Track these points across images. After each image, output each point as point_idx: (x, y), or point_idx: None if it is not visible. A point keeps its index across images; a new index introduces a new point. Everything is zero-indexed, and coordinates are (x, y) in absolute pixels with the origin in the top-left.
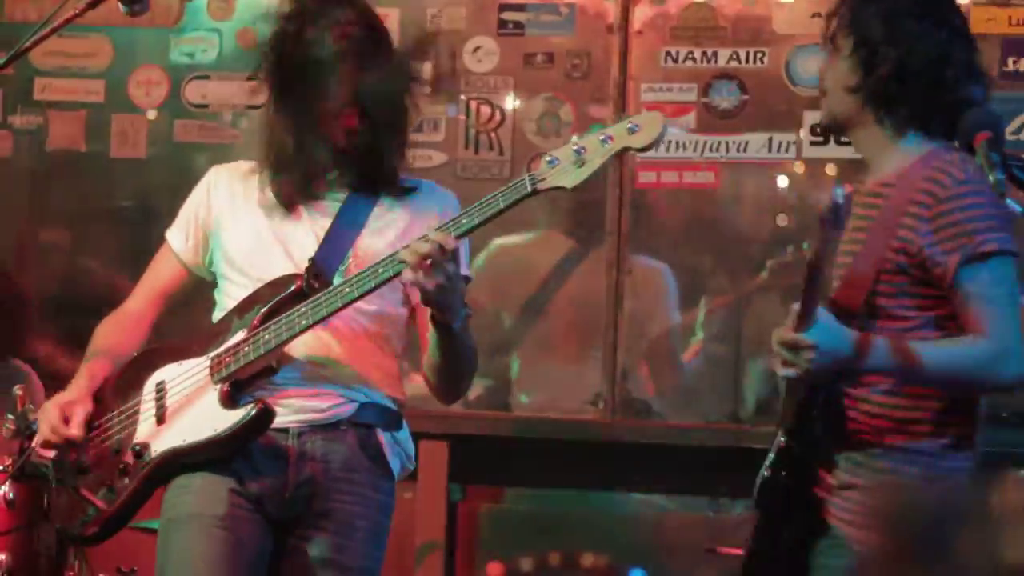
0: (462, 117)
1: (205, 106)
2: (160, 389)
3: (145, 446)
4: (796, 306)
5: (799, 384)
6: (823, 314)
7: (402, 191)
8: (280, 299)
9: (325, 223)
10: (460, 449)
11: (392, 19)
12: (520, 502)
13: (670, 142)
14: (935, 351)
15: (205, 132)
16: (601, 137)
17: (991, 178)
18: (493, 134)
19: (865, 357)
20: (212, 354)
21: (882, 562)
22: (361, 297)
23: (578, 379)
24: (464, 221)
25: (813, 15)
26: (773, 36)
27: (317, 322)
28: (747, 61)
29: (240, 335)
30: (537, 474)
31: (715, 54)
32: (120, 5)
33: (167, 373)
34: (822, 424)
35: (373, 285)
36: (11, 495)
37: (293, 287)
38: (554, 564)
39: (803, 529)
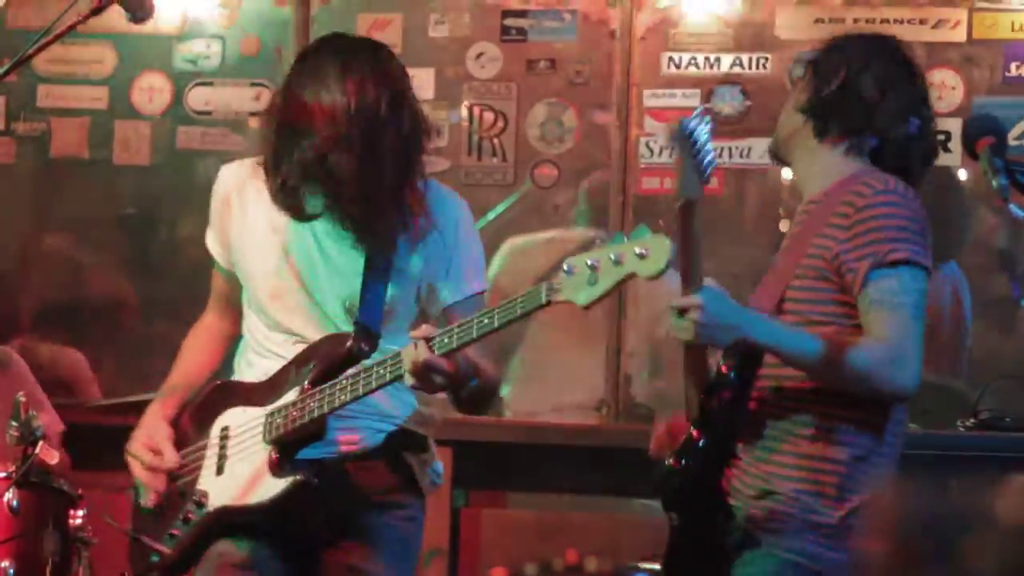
0: (465, 123)
1: (208, 113)
2: (224, 436)
3: (205, 496)
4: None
5: (698, 368)
6: (710, 281)
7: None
8: (332, 362)
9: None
10: (463, 454)
11: (395, 25)
12: (524, 507)
13: (673, 148)
14: (828, 344)
15: (208, 139)
16: (612, 256)
17: (994, 183)
18: (496, 140)
19: (753, 329)
20: (268, 409)
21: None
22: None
23: (582, 384)
24: (457, 333)
25: (816, 20)
26: (776, 42)
27: (352, 400)
28: (750, 67)
29: (292, 394)
30: (541, 479)
31: (718, 60)
32: (123, 12)
33: (232, 418)
34: (731, 429)
35: (386, 380)
36: (15, 502)
37: (343, 350)
38: (558, 569)
39: (726, 540)
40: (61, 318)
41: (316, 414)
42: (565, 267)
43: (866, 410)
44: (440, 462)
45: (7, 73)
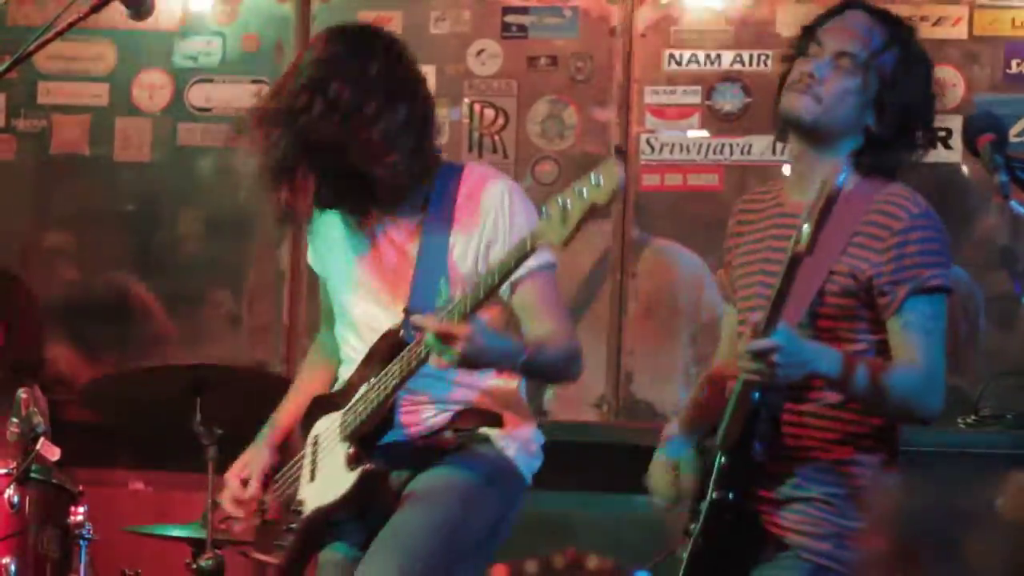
0: (465, 120)
1: (209, 109)
2: (315, 443)
3: (301, 503)
4: (753, 317)
5: (744, 406)
6: (784, 325)
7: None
8: (389, 353)
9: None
10: None
11: (396, 22)
12: (524, 504)
13: (674, 145)
14: (871, 370)
15: (209, 135)
16: (576, 191)
17: (995, 180)
18: (497, 137)
19: (820, 364)
20: (344, 409)
21: (887, 564)
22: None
23: (582, 381)
24: (470, 298)
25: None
26: (777, 39)
27: (400, 384)
28: (751, 64)
29: (362, 391)
30: (541, 476)
31: (719, 57)
32: (123, 9)
33: (322, 425)
34: (760, 440)
35: (422, 358)
36: (15, 498)
37: (396, 339)
38: (559, 567)
39: (747, 546)
40: (63, 316)
41: (375, 404)
42: (542, 211)
43: (889, 418)
44: (522, 441)
45: (8, 70)
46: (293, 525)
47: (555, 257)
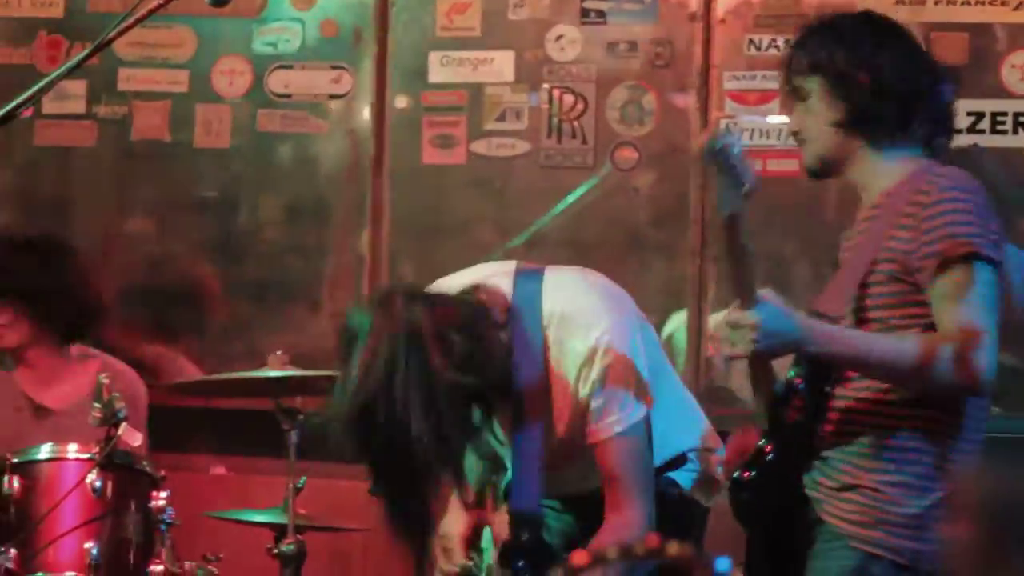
0: (545, 106)
1: (288, 96)
2: None
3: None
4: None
5: (764, 380)
6: (767, 295)
7: None
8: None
9: None
10: None
11: (474, 8)
12: None
13: (754, 130)
14: (888, 342)
15: (288, 122)
16: None
17: None
18: (576, 123)
19: (811, 340)
20: None
21: (969, 556)
22: None
23: None
24: None
25: (896, 2)
26: None
27: None
28: None
29: None
30: None
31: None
32: None
33: None
34: (808, 429)
35: None
36: (98, 483)
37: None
38: (639, 552)
39: (798, 534)
40: (143, 301)
41: None
42: None
43: (942, 402)
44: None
45: (88, 57)
46: None
47: (633, 420)
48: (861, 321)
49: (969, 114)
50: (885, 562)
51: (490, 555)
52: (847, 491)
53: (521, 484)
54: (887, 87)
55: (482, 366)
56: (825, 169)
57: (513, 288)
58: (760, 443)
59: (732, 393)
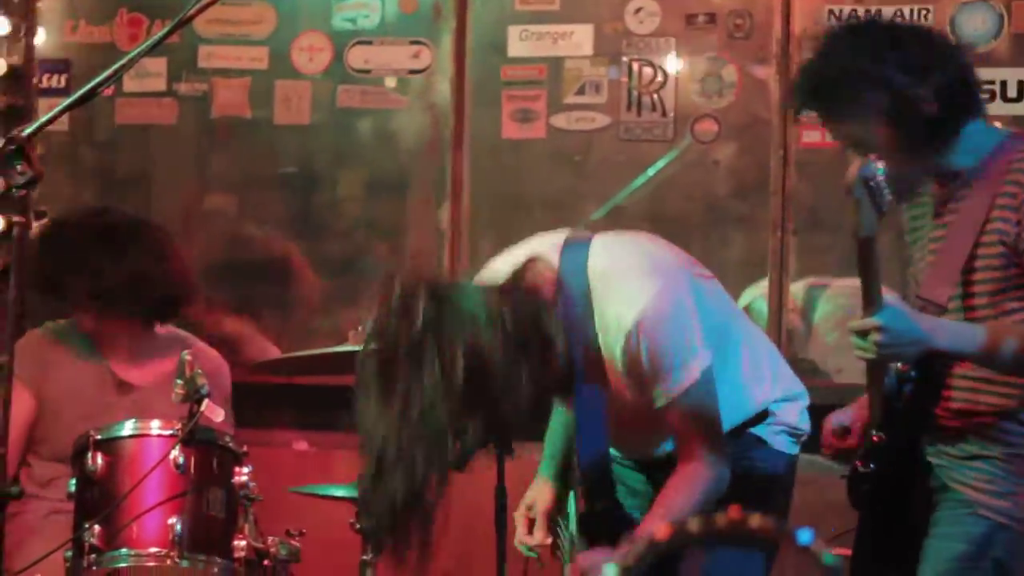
0: (624, 79)
1: (368, 71)
2: None
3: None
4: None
5: (879, 378)
6: (891, 298)
7: None
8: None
9: None
10: None
11: None
12: None
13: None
14: (1008, 335)
15: (368, 98)
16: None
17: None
18: (656, 95)
19: (936, 340)
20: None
21: None
22: None
23: None
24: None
25: None
26: None
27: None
28: (911, 17)
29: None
30: None
31: (879, 11)
32: None
33: None
34: (924, 408)
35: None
36: (181, 459)
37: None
38: (721, 524)
39: (917, 504)
40: (224, 278)
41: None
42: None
43: None
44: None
45: (168, 34)
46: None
47: (688, 381)
48: (970, 308)
49: None
50: (1012, 533)
51: (574, 523)
52: (975, 460)
53: (588, 444)
54: (945, 93)
55: (538, 348)
56: (905, 196)
57: (560, 260)
58: (873, 434)
59: (814, 364)
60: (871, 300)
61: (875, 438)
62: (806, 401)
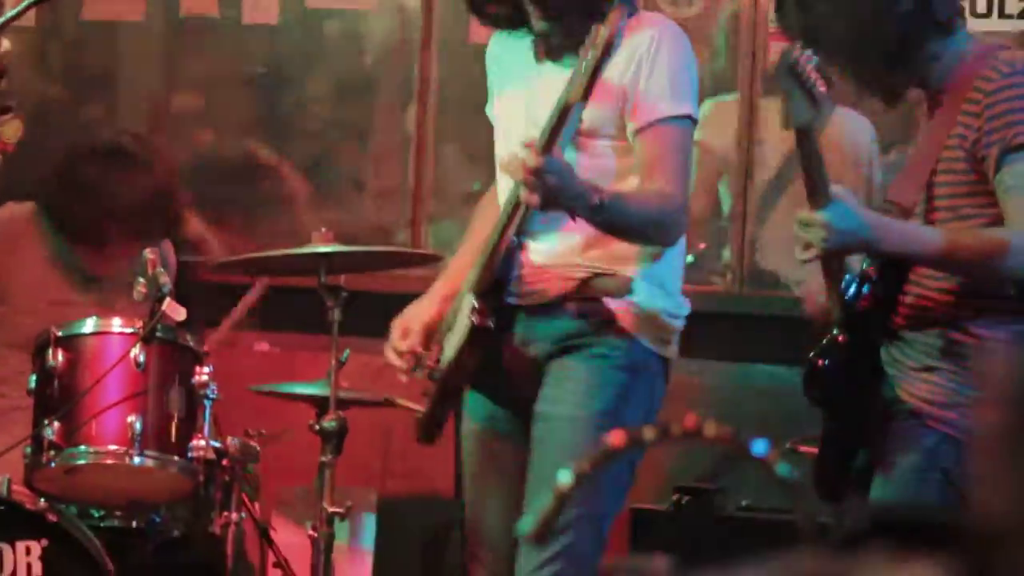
0: None
1: None
2: (460, 297)
3: (441, 354)
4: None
5: (837, 276)
6: (841, 194)
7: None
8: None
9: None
10: None
11: None
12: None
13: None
14: (959, 237)
15: None
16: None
17: None
18: None
19: (883, 240)
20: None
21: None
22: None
23: (707, 250)
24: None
25: None
26: None
27: (499, 237)
28: None
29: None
30: None
31: None
32: None
33: (467, 280)
34: (883, 315)
35: (513, 204)
36: (141, 358)
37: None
38: (676, 433)
39: (872, 411)
40: (189, 177)
41: (487, 252)
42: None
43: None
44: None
45: None
46: (434, 376)
47: (690, 109)
48: (932, 209)
49: None
50: (957, 443)
51: (451, 349)
52: (927, 372)
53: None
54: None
55: None
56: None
57: None
58: (833, 332)
59: (775, 276)
60: (817, 193)
61: (840, 338)
62: None
